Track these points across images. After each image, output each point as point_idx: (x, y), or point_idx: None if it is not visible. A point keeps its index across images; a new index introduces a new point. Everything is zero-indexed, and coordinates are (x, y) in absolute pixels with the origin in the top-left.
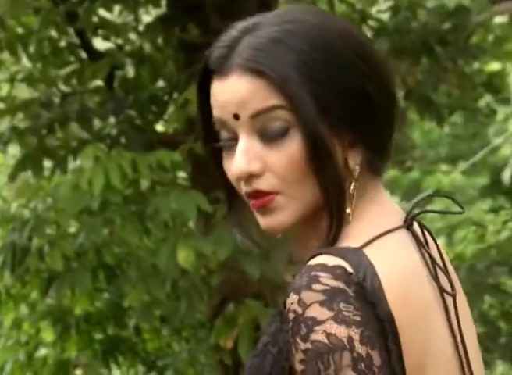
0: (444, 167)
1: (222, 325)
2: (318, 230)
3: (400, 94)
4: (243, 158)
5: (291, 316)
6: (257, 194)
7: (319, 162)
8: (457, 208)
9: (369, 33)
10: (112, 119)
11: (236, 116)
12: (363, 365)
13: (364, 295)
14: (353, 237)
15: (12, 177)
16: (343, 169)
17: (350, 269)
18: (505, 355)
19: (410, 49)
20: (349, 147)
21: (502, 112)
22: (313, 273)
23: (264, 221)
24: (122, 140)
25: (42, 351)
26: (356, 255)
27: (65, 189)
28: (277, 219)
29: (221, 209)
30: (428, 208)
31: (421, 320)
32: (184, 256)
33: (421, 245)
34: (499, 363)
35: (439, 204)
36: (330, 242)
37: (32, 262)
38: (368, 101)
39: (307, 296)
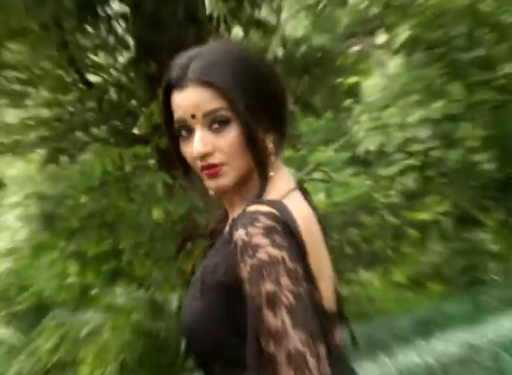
0: (322, 148)
1: (184, 257)
2: (246, 192)
3: (291, 100)
4: (200, 143)
5: (240, 243)
6: (210, 166)
7: (251, 142)
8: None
9: (268, 60)
10: (103, 127)
11: (193, 116)
12: (292, 274)
13: (288, 230)
14: (272, 192)
15: (41, 169)
16: (264, 147)
17: (277, 213)
18: (366, 267)
19: (296, 71)
20: (265, 132)
21: (356, 108)
22: (254, 216)
23: (213, 184)
24: (112, 140)
25: (70, 279)
26: (279, 204)
27: (76, 174)
28: (222, 182)
29: (179, 181)
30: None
31: (317, 245)
32: (157, 214)
33: (308, 200)
34: (363, 272)
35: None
36: (259, 195)
37: (58, 223)
38: (276, 101)
39: (252, 230)
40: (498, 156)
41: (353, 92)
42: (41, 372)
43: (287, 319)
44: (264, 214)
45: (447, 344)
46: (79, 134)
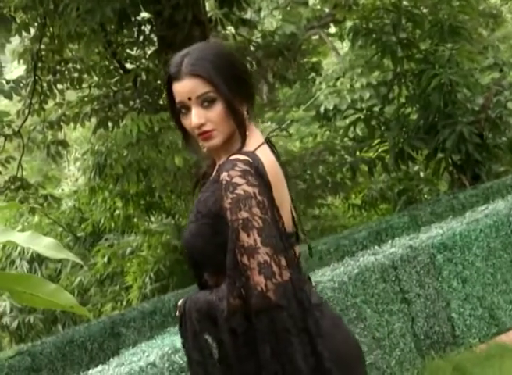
0: (295, 109)
1: (198, 192)
2: (229, 147)
3: (271, 75)
4: (196, 117)
5: (224, 182)
6: (205, 132)
7: (233, 112)
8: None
9: (252, 48)
10: (137, 100)
11: (189, 98)
12: (261, 205)
13: (259, 173)
14: (247, 146)
15: (94, 132)
16: (241, 115)
17: (250, 160)
18: (331, 193)
19: (273, 54)
20: (240, 104)
21: (317, 80)
22: (234, 162)
23: (207, 144)
24: (144, 109)
25: (117, 212)
26: (252, 154)
27: (120, 134)
28: (214, 142)
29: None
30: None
31: (280, 184)
32: (178, 161)
33: (274, 151)
34: (329, 197)
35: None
36: (240, 148)
37: (108, 171)
38: (245, 82)
39: (232, 173)
40: (421, 109)
41: (315, 68)
42: (98, 281)
43: (258, 238)
44: (241, 161)
45: (394, 248)
46: (120, 106)
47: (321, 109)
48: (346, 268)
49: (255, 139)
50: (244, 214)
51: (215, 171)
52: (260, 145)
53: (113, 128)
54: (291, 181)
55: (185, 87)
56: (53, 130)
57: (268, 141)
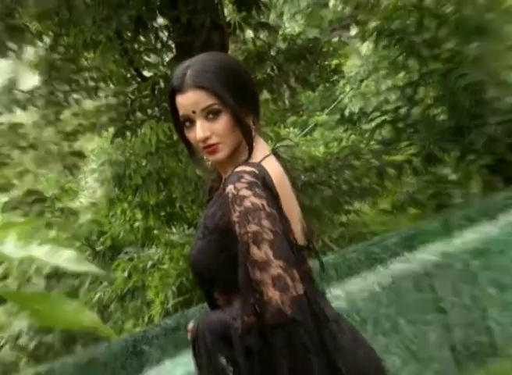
0: (318, 113)
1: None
2: (234, 160)
3: (293, 79)
4: (200, 130)
5: (230, 195)
6: (210, 146)
7: (240, 124)
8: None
9: (273, 53)
10: (156, 109)
11: (194, 111)
12: (271, 217)
13: (266, 184)
14: (253, 158)
15: (112, 142)
16: (248, 126)
17: (256, 171)
18: (358, 199)
19: (294, 58)
20: (246, 115)
21: (341, 82)
22: (240, 174)
23: (213, 158)
24: (162, 117)
25: (136, 224)
26: (258, 166)
27: (138, 144)
28: (219, 155)
29: None
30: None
31: (288, 196)
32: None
33: (281, 162)
34: (356, 203)
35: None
36: (246, 160)
37: (126, 181)
38: (250, 92)
39: (238, 185)
40: (448, 109)
41: (338, 70)
42: (118, 297)
43: (269, 252)
44: (248, 173)
45: (427, 254)
46: (138, 115)
47: (346, 112)
48: (377, 277)
49: (261, 150)
50: (254, 227)
51: (221, 185)
52: (266, 156)
53: (131, 137)
54: (316, 188)
55: (189, 100)
56: (69, 140)
57: (274, 152)
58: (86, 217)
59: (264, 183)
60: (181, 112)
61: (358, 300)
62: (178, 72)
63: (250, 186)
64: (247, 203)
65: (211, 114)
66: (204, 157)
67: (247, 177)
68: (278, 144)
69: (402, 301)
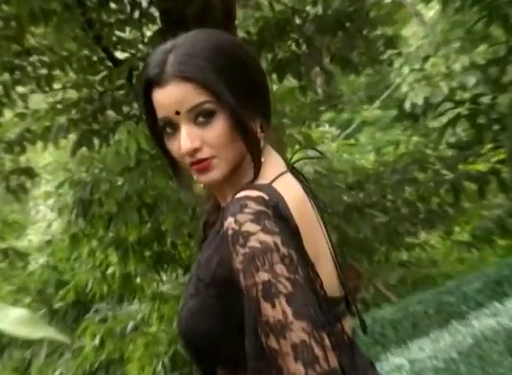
0: (365, 107)
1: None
2: (235, 181)
3: (327, 59)
4: (187, 139)
5: (230, 232)
6: (200, 161)
7: (242, 130)
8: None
9: (299, 21)
10: (135, 105)
11: (177, 112)
12: (287, 260)
13: (279, 214)
14: (262, 177)
15: (73, 153)
16: (254, 133)
17: (266, 197)
18: (424, 227)
19: (329, 28)
20: (251, 118)
21: (397, 62)
22: (242, 202)
23: (204, 178)
24: (144, 117)
25: (111, 269)
26: (268, 188)
27: (111, 156)
28: (214, 175)
29: None
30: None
31: (312, 228)
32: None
33: (301, 181)
34: (422, 232)
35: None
36: (252, 181)
37: (95, 209)
38: (257, 85)
39: (241, 217)
40: None
41: (391, 44)
42: (88, 372)
43: (288, 309)
44: (253, 199)
45: None
46: (110, 114)
47: (407, 105)
48: (453, 338)
49: (273, 166)
50: (264, 275)
51: (219, 218)
52: (280, 175)
53: (100, 146)
54: (365, 212)
55: (171, 97)
56: (13, 153)
57: (292, 168)
58: (38, 261)
59: (277, 212)
60: (160, 114)
61: (428, 371)
62: (156, 57)
63: (258, 218)
64: (254, 242)
65: (201, 116)
66: (194, 177)
67: (253, 206)
68: (297, 156)
69: (489, 370)
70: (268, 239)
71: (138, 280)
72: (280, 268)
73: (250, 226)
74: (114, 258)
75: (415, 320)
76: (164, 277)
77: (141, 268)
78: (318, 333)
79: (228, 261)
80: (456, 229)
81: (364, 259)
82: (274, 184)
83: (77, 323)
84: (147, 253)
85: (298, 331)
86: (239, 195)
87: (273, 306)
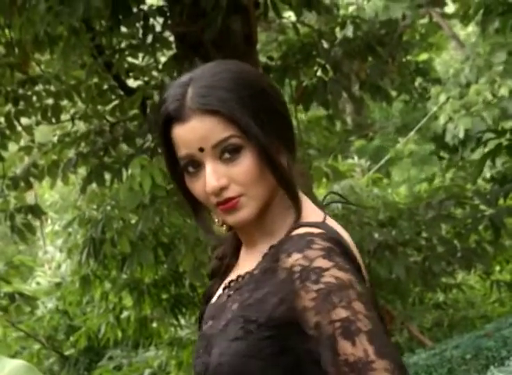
0: (400, 139)
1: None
2: (264, 223)
3: (356, 86)
4: (213, 177)
5: (297, 269)
6: (228, 200)
7: (272, 164)
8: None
9: (326, 45)
10: (149, 136)
11: (201, 149)
12: (363, 298)
13: (345, 251)
14: (308, 216)
15: (83, 190)
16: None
17: (329, 235)
18: (462, 266)
19: (358, 52)
20: (278, 153)
21: (434, 89)
22: (308, 238)
23: (231, 219)
24: (159, 150)
25: (125, 313)
26: (326, 226)
27: (123, 192)
28: (242, 215)
29: None
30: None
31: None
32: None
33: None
34: (459, 272)
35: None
36: (297, 218)
37: (108, 249)
38: (281, 116)
39: (310, 253)
40: None
41: (424, 70)
42: None
43: (369, 348)
44: (318, 235)
45: None
46: (122, 147)
47: (447, 138)
48: None
49: (311, 204)
50: (342, 313)
51: (258, 260)
52: (325, 214)
53: (112, 182)
54: (398, 251)
55: (194, 132)
56: (18, 190)
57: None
58: (47, 306)
59: (342, 249)
60: (182, 152)
61: None
62: (174, 91)
63: (328, 254)
64: (329, 278)
65: (227, 152)
66: (216, 219)
67: (320, 242)
68: (328, 198)
69: None
70: (343, 275)
71: (154, 324)
72: (358, 305)
73: (322, 262)
74: (128, 301)
75: (452, 366)
76: (182, 322)
77: (158, 312)
78: (400, 374)
79: (291, 300)
80: (496, 268)
81: (397, 301)
82: (327, 222)
83: (90, 371)
84: (164, 296)
85: (380, 371)
86: (299, 232)
87: (353, 344)
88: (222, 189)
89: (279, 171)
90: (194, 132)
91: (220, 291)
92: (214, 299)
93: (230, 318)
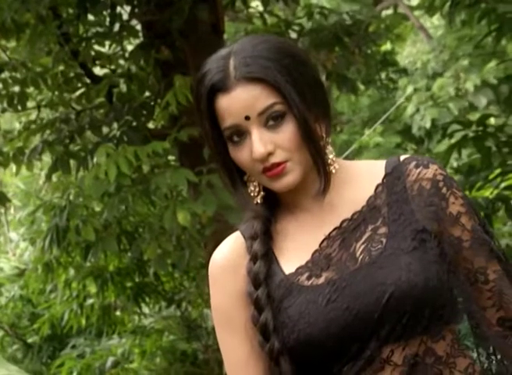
0: (366, 131)
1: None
2: (305, 192)
3: (323, 76)
4: (260, 144)
5: (440, 177)
6: (273, 166)
7: (308, 136)
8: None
9: (293, 35)
10: (115, 125)
11: (247, 117)
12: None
13: None
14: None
15: (48, 177)
16: (319, 138)
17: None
18: None
19: (325, 42)
20: (316, 121)
21: (401, 81)
22: (425, 157)
23: (279, 184)
24: (125, 138)
25: (89, 301)
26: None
27: (89, 180)
28: (289, 179)
29: (204, 179)
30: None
31: None
32: (182, 217)
33: None
34: None
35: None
36: (323, 190)
37: (72, 237)
38: (319, 86)
39: (440, 166)
40: None
41: (389, 60)
42: None
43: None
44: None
45: None
46: (88, 135)
47: (414, 129)
48: None
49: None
50: (477, 226)
51: (353, 200)
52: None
53: (78, 170)
54: None
55: (240, 101)
56: None
57: None
58: (10, 293)
59: None
60: (227, 122)
61: None
62: (216, 63)
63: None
64: (462, 193)
65: (271, 119)
66: (251, 191)
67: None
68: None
69: None
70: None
71: (118, 312)
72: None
73: (452, 179)
74: (92, 289)
75: None
76: (146, 310)
77: (121, 300)
78: None
79: (443, 207)
80: None
81: None
82: None
83: (53, 359)
84: (128, 284)
85: None
86: (406, 156)
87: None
88: (269, 155)
89: (315, 142)
90: (240, 101)
91: (316, 246)
92: (305, 259)
93: (385, 241)
